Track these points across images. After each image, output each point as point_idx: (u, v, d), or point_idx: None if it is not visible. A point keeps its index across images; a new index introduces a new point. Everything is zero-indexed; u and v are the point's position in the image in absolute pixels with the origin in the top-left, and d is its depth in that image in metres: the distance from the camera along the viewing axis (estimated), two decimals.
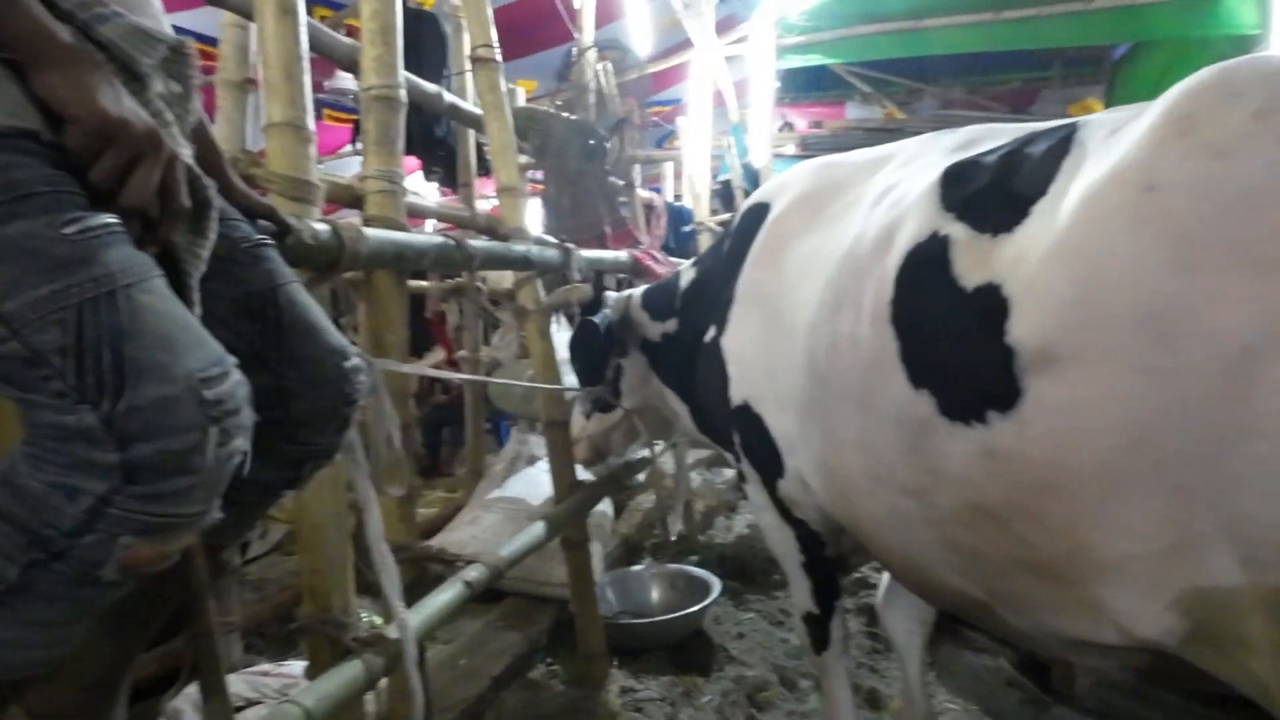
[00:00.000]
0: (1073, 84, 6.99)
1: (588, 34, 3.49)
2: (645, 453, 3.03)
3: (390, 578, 1.26)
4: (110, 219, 0.65)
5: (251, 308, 0.78)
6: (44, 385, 0.63)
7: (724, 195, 6.09)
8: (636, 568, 3.15)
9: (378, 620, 1.60)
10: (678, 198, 6.46)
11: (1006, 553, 1.06)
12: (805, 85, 7.43)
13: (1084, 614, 1.02)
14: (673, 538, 3.14)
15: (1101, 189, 0.93)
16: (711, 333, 1.79)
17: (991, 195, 1.09)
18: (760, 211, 1.76)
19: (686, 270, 2.14)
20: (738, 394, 1.68)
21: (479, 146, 3.16)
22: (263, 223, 1.00)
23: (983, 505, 1.06)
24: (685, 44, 5.62)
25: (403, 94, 1.65)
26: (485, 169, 3.34)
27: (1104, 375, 0.90)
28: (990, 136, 1.26)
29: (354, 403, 0.88)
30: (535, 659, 2.52)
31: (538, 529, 1.95)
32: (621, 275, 2.98)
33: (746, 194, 5.58)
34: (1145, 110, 0.97)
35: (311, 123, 1.29)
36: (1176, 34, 5.25)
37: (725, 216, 5.64)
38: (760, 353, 1.61)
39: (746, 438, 1.69)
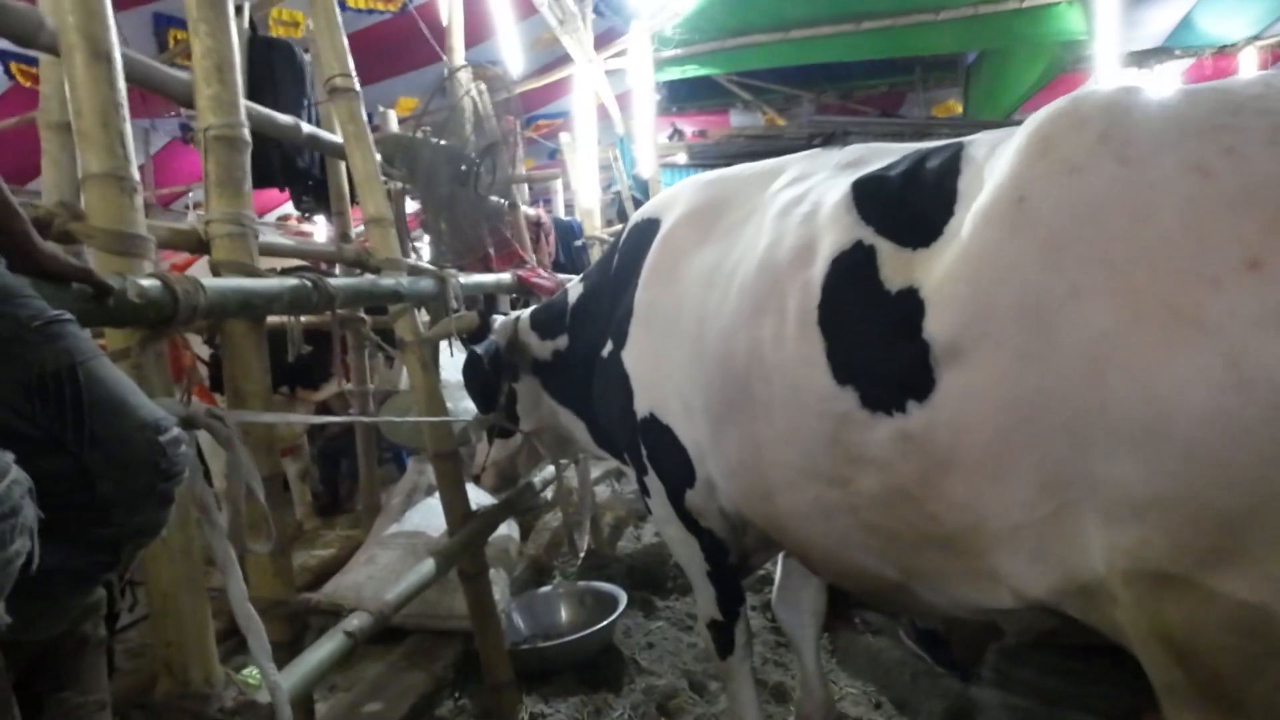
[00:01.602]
0: (933, 87, 7.49)
1: (458, 54, 3.45)
2: (541, 474, 3.02)
3: (258, 639, 1.21)
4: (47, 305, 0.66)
5: (45, 389, 0.73)
6: (15, 441, 0.67)
7: (617, 207, 6.16)
8: (543, 589, 3.13)
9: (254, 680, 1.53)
10: (569, 211, 6.49)
11: (920, 531, 1.17)
12: (690, 95, 7.61)
13: (985, 582, 1.14)
14: (581, 554, 3.14)
15: (985, 202, 1.06)
16: (609, 347, 1.81)
17: (905, 209, 1.21)
18: (648, 227, 1.81)
19: (574, 287, 2.15)
20: (643, 406, 1.70)
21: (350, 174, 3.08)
22: (77, 287, 0.94)
23: (900, 488, 1.16)
24: (568, 58, 5.66)
25: (245, 132, 1.59)
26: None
27: (993, 362, 1.01)
28: (875, 155, 1.41)
29: (174, 476, 0.84)
30: (441, 697, 2.46)
31: (427, 567, 1.92)
32: (513, 295, 2.97)
33: (638, 204, 5.67)
34: (1015, 133, 1.11)
35: (134, 171, 1.23)
36: (1015, 41, 5.72)
37: (616, 228, 5.70)
38: (665, 364, 1.64)
39: (653, 449, 1.71)
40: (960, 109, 7.39)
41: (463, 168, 2.47)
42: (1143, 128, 0.95)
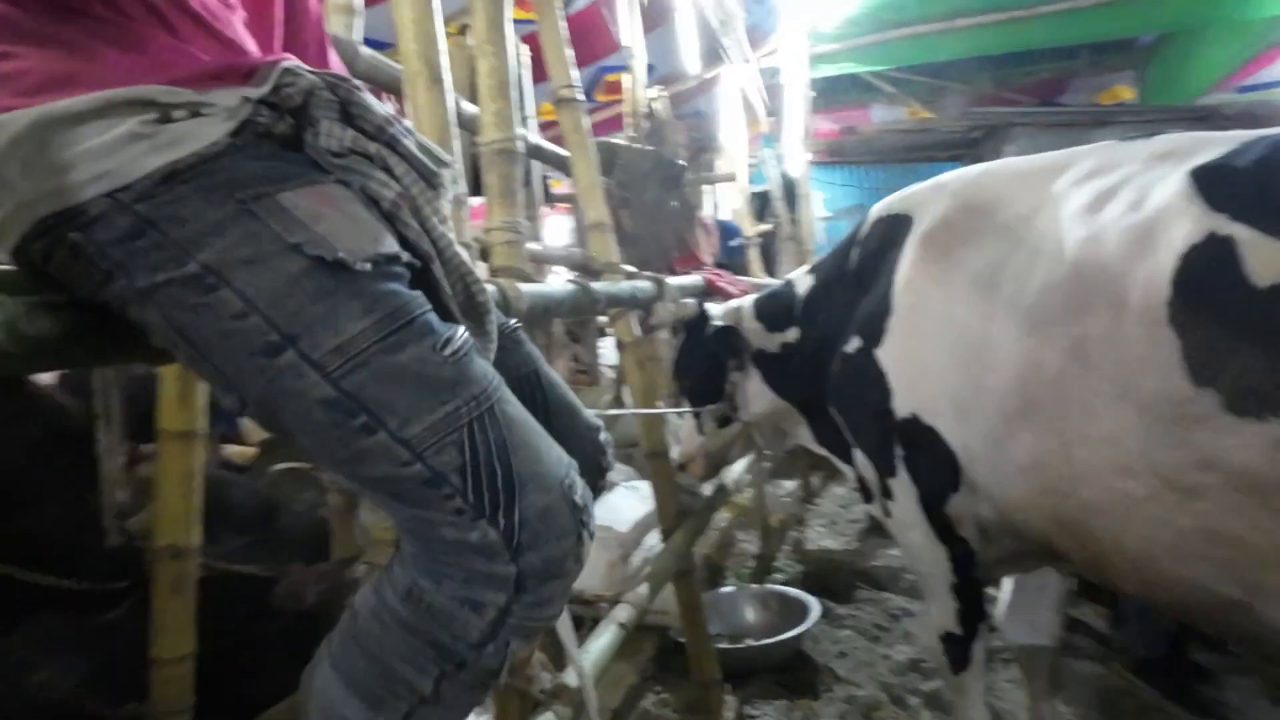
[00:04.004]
0: (1102, 72, 6.97)
1: (640, 63, 3.51)
2: (731, 476, 3.04)
3: (565, 624, 1.27)
4: (463, 332, 0.68)
5: (522, 392, 0.79)
6: (444, 504, 0.65)
7: (759, 206, 6.11)
8: (727, 589, 3.15)
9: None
10: (715, 210, 6.49)
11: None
12: (827, 90, 7.44)
13: None
14: (762, 553, 3.14)
15: None
16: (856, 344, 1.79)
17: (1268, 197, 1.14)
18: (898, 223, 1.78)
19: (801, 280, 2.15)
20: (904, 406, 1.67)
21: (543, 178, 3.20)
22: None
23: (1263, 496, 1.10)
24: (710, 55, 5.66)
25: (520, 145, 1.68)
26: (548, 199, 3.39)
27: None
28: (1198, 145, 1.32)
29: (606, 474, 0.91)
30: (645, 690, 2.52)
31: (665, 563, 1.96)
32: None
33: (786, 203, 5.61)
34: None
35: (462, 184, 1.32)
36: (1207, 20, 5.23)
37: (765, 227, 5.65)
38: (935, 364, 1.60)
39: (912, 452, 1.68)
40: (1131, 95, 6.86)
41: (671, 174, 2.51)
42: None
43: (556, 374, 0.90)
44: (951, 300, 1.57)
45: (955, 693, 1.88)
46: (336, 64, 1.00)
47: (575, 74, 2.26)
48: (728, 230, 4.99)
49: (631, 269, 2.39)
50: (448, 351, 0.66)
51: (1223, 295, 1.13)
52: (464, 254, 0.78)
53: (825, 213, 6.45)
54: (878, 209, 1.93)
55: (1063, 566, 1.82)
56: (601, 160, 2.54)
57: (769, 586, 3.08)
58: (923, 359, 1.63)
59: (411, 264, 0.70)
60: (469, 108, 1.79)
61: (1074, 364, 1.31)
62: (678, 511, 2.30)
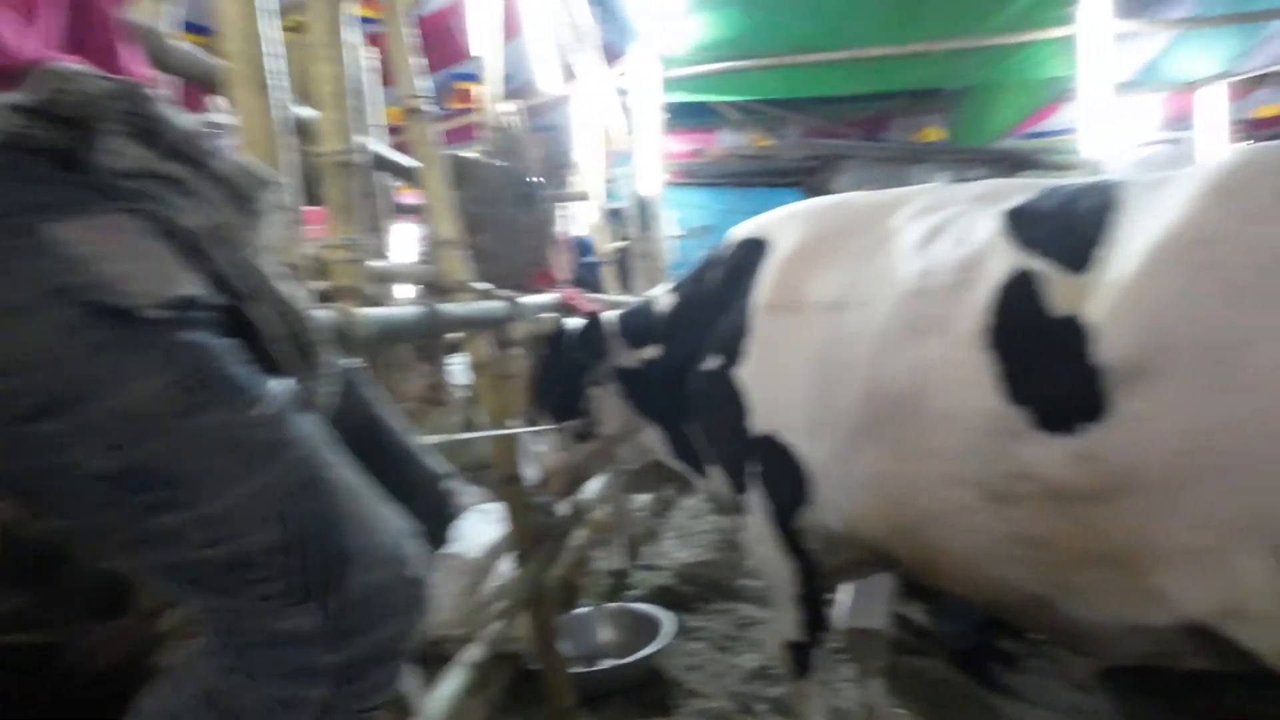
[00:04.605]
0: (917, 114, 7.74)
1: (493, 73, 3.44)
2: (585, 495, 3.02)
3: (409, 674, 1.20)
4: (280, 387, 0.59)
5: (358, 441, 0.71)
6: (251, 590, 0.56)
7: (615, 224, 6.17)
8: (581, 610, 3.11)
9: None
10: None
11: (1083, 546, 1.24)
12: (677, 113, 7.70)
13: (1143, 600, 1.21)
14: (619, 569, 3.14)
15: (1161, 240, 1.14)
16: (716, 362, 1.84)
17: (1064, 238, 1.29)
18: (756, 247, 1.87)
19: (663, 298, 2.19)
20: (760, 424, 1.73)
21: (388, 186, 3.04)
22: None
23: (1069, 504, 1.23)
24: (564, 72, 5.67)
25: (361, 157, 1.59)
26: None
27: (1173, 393, 1.09)
28: (1009, 189, 1.50)
29: (449, 525, 0.84)
30: None
31: (517, 593, 1.90)
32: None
33: (640, 222, 5.71)
34: (1183, 177, 1.20)
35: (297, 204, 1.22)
36: (1004, 76, 6.00)
37: (619, 244, 5.72)
38: (790, 382, 1.68)
39: (767, 467, 1.74)
40: (941, 135, 7.66)
41: (524, 190, 2.47)
42: None
43: (396, 417, 0.83)
44: (805, 323, 1.67)
45: (798, 697, 1.98)
46: (140, 61, 0.87)
47: (424, 83, 2.16)
48: (583, 247, 4.99)
49: (485, 287, 2.32)
50: (257, 412, 0.57)
51: (1031, 323, 1.27)
52: (289, 288, 0.69)
53: (677, 231, 6.67)
54: (737, 232, 2.02)
55: (897, 571, 1.97)
56: (453, 174, 2.45)
57: (623, 604, 3.09)
58: (778, 378, 1.70)
59: (221, 305, 0.61)
60: (306, 113, 1.66)
61: (913, 385, 1.42)
62: (532, 535, 2.24)
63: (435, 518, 0.82)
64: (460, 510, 0.85)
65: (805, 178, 7.52)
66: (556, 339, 2.28)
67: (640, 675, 2.66)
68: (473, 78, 4.02)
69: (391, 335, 1.42)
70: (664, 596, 3.39)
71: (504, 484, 2.23)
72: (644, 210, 5.76)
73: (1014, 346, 1.30)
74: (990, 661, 2.70)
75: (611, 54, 6.18)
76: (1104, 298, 1.19)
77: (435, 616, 2.54)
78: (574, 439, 2.33)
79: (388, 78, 2.46)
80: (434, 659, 2.18)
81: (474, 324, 1.98)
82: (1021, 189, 1.49)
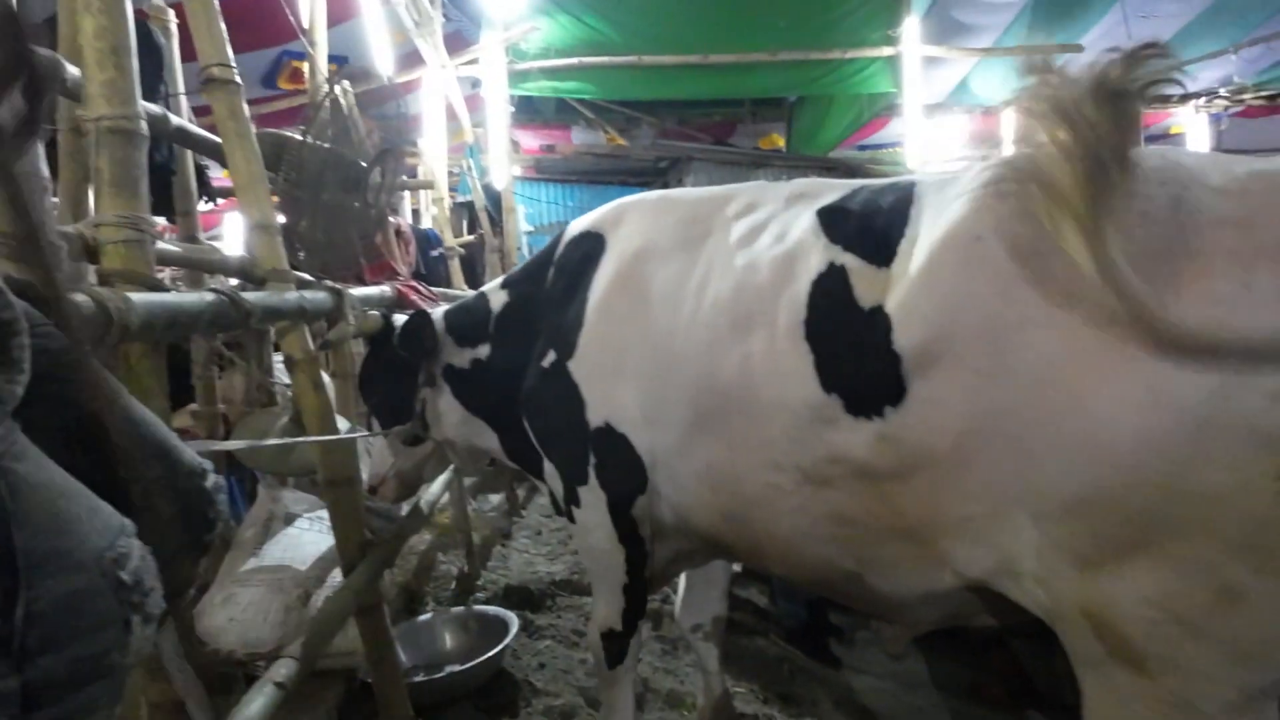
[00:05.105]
0: (760, 121, 8.14)
1: (321, 49, 3.22)
2: (425, 498, 2.89)
3: (196, 695, 1.08)
4: None
5: (83, 437, 0.61)
6: None
7: (464, 217, 6.01)
8: (424, 617, 2.99)
9: None
10: (415, 219, 6.21)
11: (885, 522, 1.33)
12: (531, 108, 7.62)
13: (933, 566, 1.31)
14: (466, 573, 3.04)
15: (944, 236, 1.23)
16: (551, 357, 1.80)
17: (868, 234, 1.36)
18: (591, 241, 1.85)
19: (495, 295, 2.10)
20: (597, 416, 1.72)
21: (199, 169, 2.77)
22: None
23: (874, 483, 1.30)
24: (410, 57, 5.44)
25: (143, 125, 1.41)
26: (206, 193, 2.93)
27: (956, 376, 1.18)
28: (819, 189, 1.57)
29: (214, 528, 0.74)
30: None
31: (339, 604, 1.78)
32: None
33: (490, 216, 5.59)
34: (964, 177, 1.29)
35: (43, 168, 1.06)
36: (833, 90, 6.43)
37: (469, 238, 5.57)
38: (625, 375, 1.67)
39: (604, 459, 1.73)
40: (783, 142, 8.09)
41: (352, 174, 2.32)
42: None
43: (145, 409, 0.72)
44: (640, 316, 1.67)
45: (607, 685, 1.99)
46: None
47: (229, 51, 1.97)
48: (428, 240, 4.80)
49: (307, 277, 2.15)
50: None
51: (841, 315, 1.34)
52: None
53: (528, 227, 6.58)
54: (572, 227, 1.99)
55: (728, 557, 2.03)
56: (267, 154, 2.25)
57: (468, 608, 2.99)
58: (614, 371, 1.70)
59: None
60: (76, 71, 1.46)
61: (740, 376, 1.46)
62: (362, 542, 2.11)
63: (197, 517, 0.72)
64: (220, 512, 0.75)
65: (656, 177, 7.69)
66: (383, 337, 2.14)
67: (485, 678, 2.59)
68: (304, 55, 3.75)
69: (169, 325, 1.27)
70: (514, 596, 3.33)
71: (330, 488, 2.08)
72: (496, 204, 5.64)
73: (827, 338, 1.37)
74: (822, 636, 2.87)
75: (461, 42, 6.00)
76: (900, 289, 1.27)
77: (256, 632, 2.33)
78: (404, 443, 2.21)
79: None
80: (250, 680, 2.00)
81: (284, 316, 1.82)
82: (832, 188, 1.57)
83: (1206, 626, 1.04)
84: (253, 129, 2.04)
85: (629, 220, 1.82)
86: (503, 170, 5.49)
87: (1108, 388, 1.05)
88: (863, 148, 8.45)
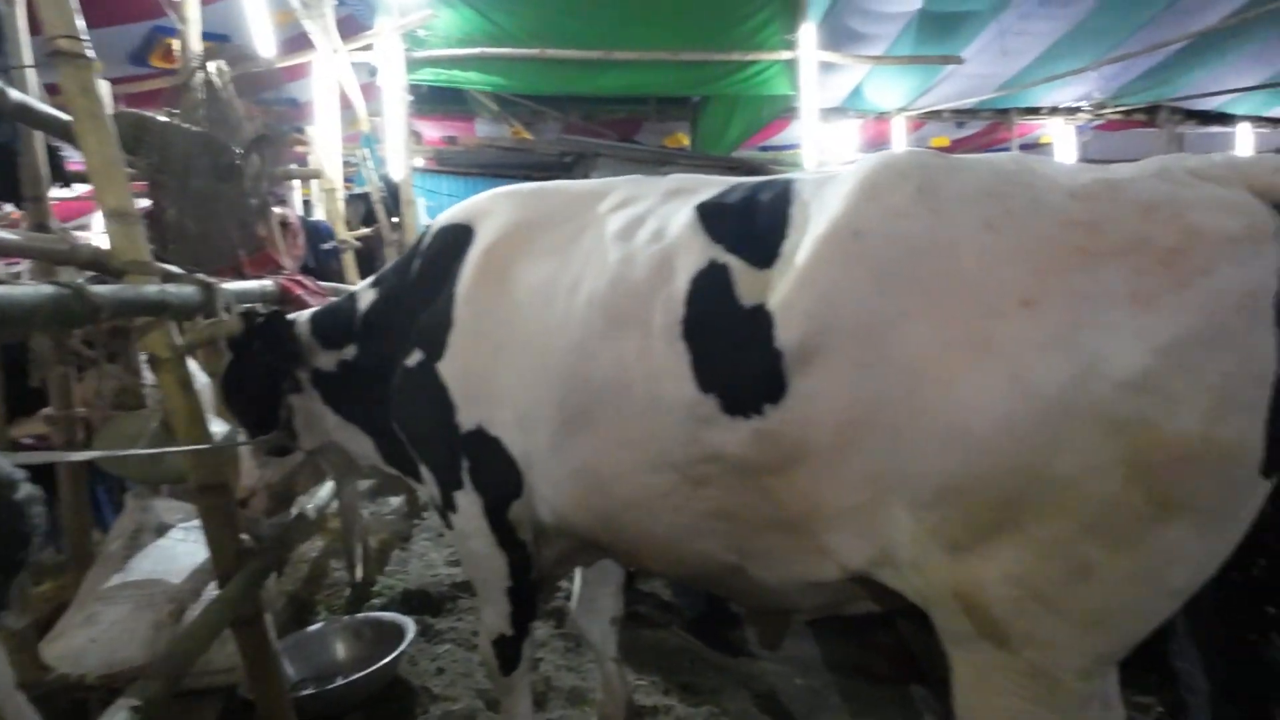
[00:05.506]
0: (666, 120, 8.20)
1: (193, 24, 3.00)
2: (314, 503, 2.76)
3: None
4: None
5: None
6: None
7: (360, 209, 5.77)
8: (314, 627, 2.85)
9: None
10: (307, 211, 5.92)
11: (765, 515, 1.34)
12: (434, 99, 7.39)
13: (815, 558, 1.32)
14: (357, 580, 2.92)
15: (824, 232, 1.24)
16: (418, 358, 1.72)
17: (749, 232, 1.35)
18: (459, 234, 1.75)
19: (364, 293, 1.99)
20: (468, 419, 1.65)
21: (52, 150, 2.53)
22: None
23: (754, 479, 1.31)
24: (299, 40, 5.17)
25: None
26: (60, 177, 2.68)
27: (835, 370, 1.20)
28: (698, 184, 1.55)
29: (29, 542, 0.66)
30: None
31: (211, 617, 1.67)
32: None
33: (386, 207, 5.39)
34: (843, 176, 1.31)
35: None
36: (734, 90, 6.57)
37: (365, 231, 5.35)
38: (497, 376, 1.61)
39: (477, 462, 1.67)
40: (688, 141, 8.19)
41: (222, 160, 2.18)
42: (948, 186, 1.19)
43: None
44: (512, 314, 1.61)
45: (504, 692, 1.93)
46: None
47: (79, 22, 1.80)
48: (320, 232, 4.58)
49: (175, 269, 2.00)
50: None
51: (720, 314, 1.33)
52: None
53: (429, 220, 6.39)
54: (440, 219, 1.90)
55: (610, 557, 2.01)
56: (126, 135, 2.08)
57: (362, 615, 2.88)
58: (485, 371, 1.63)
59: None
60: None
61: (614, 376, 1.43)
62: (238, 551, 1.99)
63: (6, 535, 0.65)
64: (35, 526, 0.68)
65: (561, 172, 7.62)
66: (245, 341, 1.97)
67: (379, 687, 2.50)
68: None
69: (8, 322, 1.14)
70: (413, 601, 3.23)
71: (202, 494, 1.94)
72: (394, 196, 5.44)
73: (705, 337, 1.35)
74: (721, 625, 2.92)
75: (355, 26, 5.75)
76: (782, 287, 1.28)
77: (119, 655, 2.16)
78: (271, 454, 2.06)
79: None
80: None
81: (141, 311, 1.68)
82: (709, 184, 1.56)
83: (1062, 601, 1.11)
84: (109, 108, 1.89)
85: (500, 211, 1.74)
86: (400, 161, 5.30)
87: (975, 378, 1.10)
88: (765, 148, 8.66)
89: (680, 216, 1.46)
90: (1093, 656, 1.16)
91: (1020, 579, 1.12)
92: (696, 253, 1.39)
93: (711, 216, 1.43)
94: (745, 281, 1.32)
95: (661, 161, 7.07)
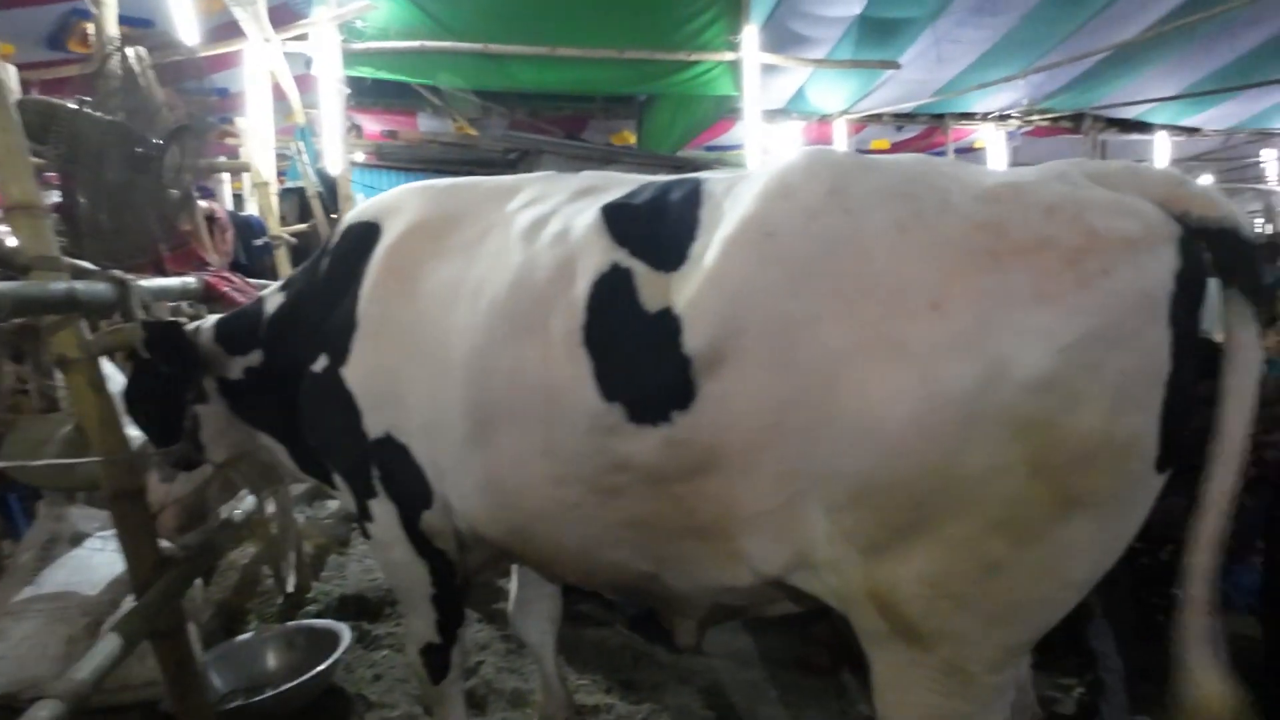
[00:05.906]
0: (612, 118, 8.18)
1: (109, 7, 2.86)
2: (243, 508, 2.67)
3: None
4: None
5: None
6: None
7: (294, 204, 5.60)
8: (243, 637, 2.76)
9: None
10: (238, 205, 5.71)
11: (678, 523, 1.31)
12: (375, 91, 7.22)
13: (730, 563, 1.31)
14: (290, 590, 2.83)
15: (733, 232, 1.22)
16: (323, 362, 1.65)
17: (655, 234, 1.31)
18: (367, 232, 1.69)
19: (272, 295, 1.92)
20: (375, 426, 1.59)
21: None
22: None
23: (664, 487, 1.28)
24: (232, 28, 4.98)
25: None
26: None
27: (745, 373, 1.18)
28: (608, 183, 1.51)
29: None
30: None
31: (127, 628, 1.59)
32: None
33: (324, 202, 5.24)
34: (755, 175, 1.29)
35: None
36: (678, 89, 6.60)
37: (301, 227, 5.19)
38: (402, 382, 1.55)
39: (386, 471, 1.61)
40: (634, 139, 8.20)
41: (138, 150, 2.09)
42: (860, 185, 1.20)
43: None
44: (417, 316, 1.54)
45: (435, 702, 1.88)
46: None
47: None
48: (252, 228, 4.42)
49: (88, 265, 1.91)
50: None
51: (624, 320, 1.29)
52: None
53: None
54: (349, 215, 1.83)
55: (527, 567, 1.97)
56: (32, 123, 1.97)
57: (296, 623, 2.80)
58: (390, 376, 1.57)
59: None
60: None
61: (517, 384, 1.38)
62: (157, 560, 1.90)
63: None
64: None
65: (506, 169, 7.54)
66: (149, 348, 1.83)
67: (312, 696, 2.43)
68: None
69: None
70: (350, 607, 3.16)
71: (115, 501, 1.86)
72: (331, 190, 5.29)
73: (607, 344, 1.30)
74: (659, 620, 2.93)
75: (289, 15, 5.56)
76: (690, 289, 1.22)
77: (27, 672, 2.05)
78: (176, 467, 1.95)
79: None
80: None
81: (45, 309, 1.60)
82: (621, 183, 1.51)
83: (973, 598, 1.14)
84: (15, 94, 1.79)
85: (408, 208, 1.67)
86: (337, 155, 5.15)
87: (887, 379, 1.11)
88: (710, 148, 8.72)
89: (585, 217, 1.41)
90: (1003, 650, 1.19)
91: (932, 578, 1.14)
92: (598, 256, 1.34)
93: (617, 218, 1.38)
94: (649, 285, 1.29)
95: (607, 159, 7.06)
